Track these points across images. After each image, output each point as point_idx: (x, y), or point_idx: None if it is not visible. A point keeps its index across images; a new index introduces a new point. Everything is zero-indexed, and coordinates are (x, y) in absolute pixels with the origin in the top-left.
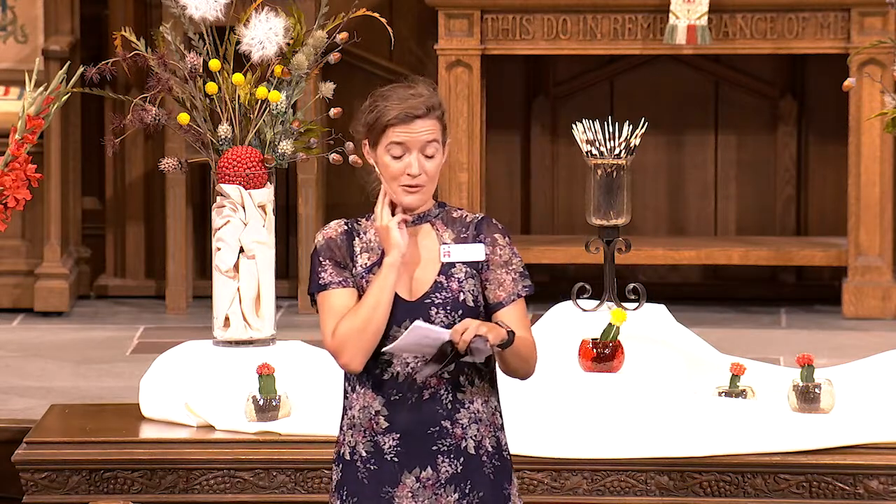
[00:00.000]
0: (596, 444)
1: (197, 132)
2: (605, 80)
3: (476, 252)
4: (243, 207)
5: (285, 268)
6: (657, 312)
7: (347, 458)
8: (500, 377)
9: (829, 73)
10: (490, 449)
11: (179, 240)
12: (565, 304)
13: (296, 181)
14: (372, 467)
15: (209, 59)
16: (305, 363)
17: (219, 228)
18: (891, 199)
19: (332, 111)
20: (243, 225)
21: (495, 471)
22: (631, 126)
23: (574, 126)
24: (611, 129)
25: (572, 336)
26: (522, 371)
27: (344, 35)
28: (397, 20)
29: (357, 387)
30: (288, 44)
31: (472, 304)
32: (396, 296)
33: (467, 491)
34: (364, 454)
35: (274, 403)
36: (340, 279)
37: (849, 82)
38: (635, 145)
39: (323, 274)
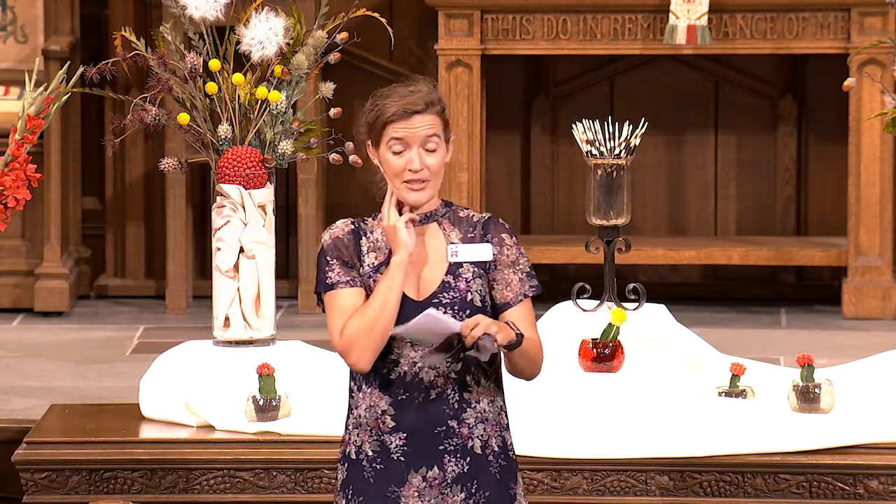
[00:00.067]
0: (596, 444)
1: (197, 132)
2: (605, 80)
3: (483, 252)
4: (243, 207)
5: (285, 268)
6: (657, 312)
7: (353, 457)
8: (505, 377)
9: (829, 73)
10: (496, 449)
11: (179, 240)
12: (565, 304)
13: (296, 181)
14: (378, 467)
15: (209, 59)
16: (305, 363)
17: (219, 228)
18: (891, 199)
19: (332, 111)
20: (243, 225)
21: (501, 470)
22: (631, 126)
23: (574, 126)
24: (611, 129)
25: (572, 336)
26: (528, 372)
27: (344, 35)
28: (397, 20)
29: (363, 386)
30: (288, 44)
31: (479, 304)
32: (404, 295)
33: (473, 491)
34: (370, 453)
35: (274, 403)
36: (348, 279)
37: (849, 82)
38: (635, 145)
39: (330, 273)
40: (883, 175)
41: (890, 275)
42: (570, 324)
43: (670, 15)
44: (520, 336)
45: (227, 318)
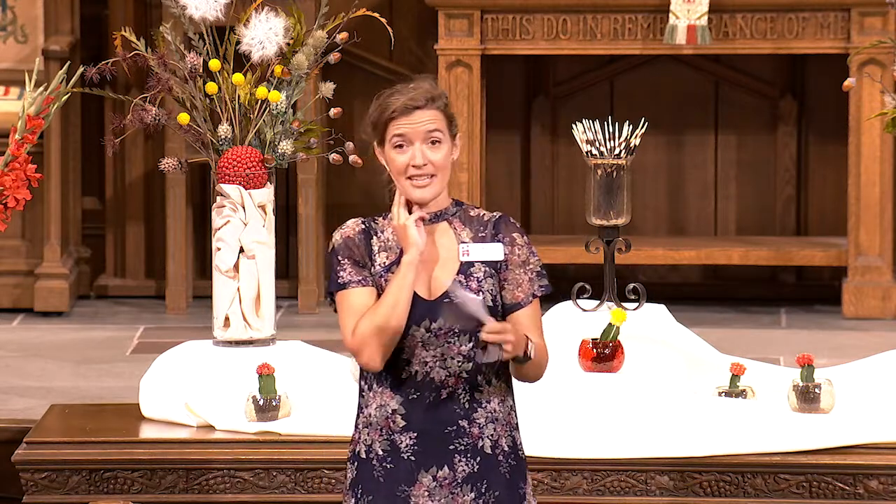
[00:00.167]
0: (596, 444)
1: (197, 132)
2: (605, 80)
3: (495, 251)
4: (243, 207)
5: (285, 268)
6: (657, 312)
7: (363, 456)
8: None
9: (829, 73)
10: (506, 448)
11: (179, 240)
12: (565, 304)
13: (296, 181)
14: (388, 466)
15: (209, 59)
16: (305, 363)
17: (219, 228)
18: (891, 199)
19: (332, 111)
20: (243, 225)
21: (511, 470)
22: (631, 126)
23: (574, 126)
24: (611, 129)
25: (572, 336)
26: (533, 376)
27: (344, 35)
28: (397, 20)
29: (374, 385)
30: (288, 44)
31: (490, 303)
32: (415, 294)
33: (483, 490)
34: (380, 452)
35: (274, 403)
36: (360, 278)
37: (849, 82)
38: (635, 145)
39: (342, 273)
40: (883, 175)
41: (890, 275)
42: (570, 324)
43: (670, 15)
44: (527, 357)
45: (227, 318)
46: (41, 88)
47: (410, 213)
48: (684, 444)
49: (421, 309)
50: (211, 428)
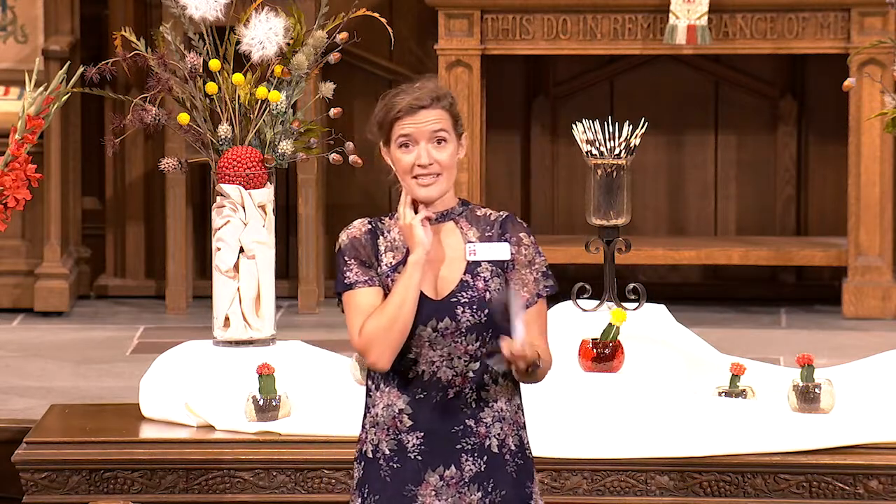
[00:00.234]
0: (596, 444)
1: (197, 132)
2: (605, 80)
3: (501, 251)
4: (243, 207)
5: (285, 268)
6: (657, 312)
7: (370, 455)
8: None
9: (829, 73)
10: (513, 448)
11: (179, 240)
12: (565, 304)
13: (296, 181)
14: (395, 465)
15: (209, 59)
16: (305, 363)
17: (219, 228)
18: (891, 199)
19: (332, 111)
20: (243, 225)
21: (518, 469)
22: (631, 126)
23: (574, 126)
24: (611, 129)
25: (572, 336)
26: (536, 379)
27: (344, 35)
28: (397, 20)
29: (381, 385)
30: (288, 44)
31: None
32: (422, 294)
33: (490, 489)
34: (387, 452)
35: (274, 403)
36: (366, 278)
37: (849, 82)
38: (635, 145)
39: (349, 273)
40: (883, 175)
41: (890, 275)
42: (570, 324)
43: (670, 15)
44: (533, 371)
45: (227, 318)
46: (41, 88)
47: (417, 212)
48: (684, 444)
49: (428, 308)
50: (211, 428)
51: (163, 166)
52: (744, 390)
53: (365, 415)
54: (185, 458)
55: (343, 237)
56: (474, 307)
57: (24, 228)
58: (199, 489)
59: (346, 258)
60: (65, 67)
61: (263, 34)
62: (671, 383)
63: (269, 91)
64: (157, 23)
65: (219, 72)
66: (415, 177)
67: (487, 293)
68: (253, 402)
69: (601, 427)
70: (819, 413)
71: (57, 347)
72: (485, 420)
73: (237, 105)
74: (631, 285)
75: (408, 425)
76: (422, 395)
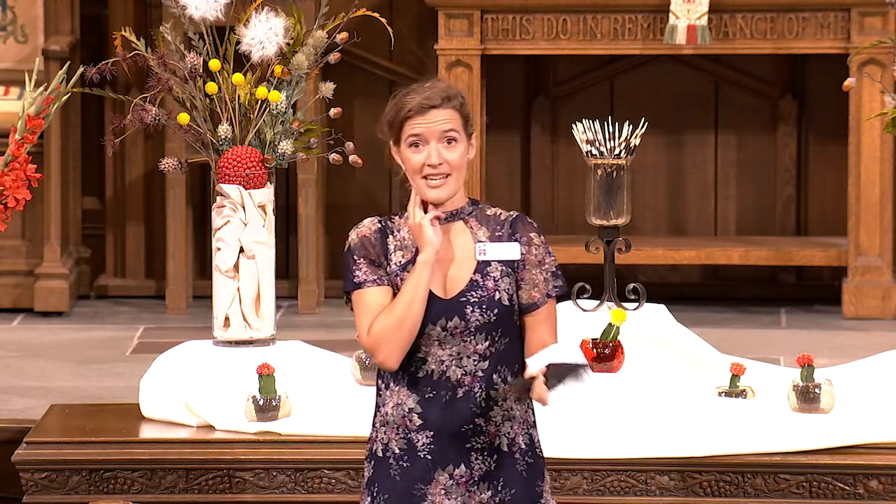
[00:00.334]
0: (596, 444)
1: (197, 132)
2: (605, 80)
3: (511, 251)
4: (243, 207)
5: (285, 268)
6: (657, 312)
7: (380, 454)
8: None
9: (829, 73)
10: (523, 446)
11: (179, 240)
12: (565, 304)
13: (296, 181)
14: (405, 464)
15: (209, 59)
16: (305, 363)
17: (219, 228)
18: (891, 199)
19: (332, 111)
20: (243, 225)
21: (528, 468)
22: (631, 126)
23: (574, 126)
24: (611, 129)
25: (572, 336)
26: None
27: (344, 35)
28: (397, 20)
29: (391, 384)
30: (288, 44)
31: (507, 302)
32: (431, 293)
33: (500, 488)
34: (397, 451)
35: (274, 403)
36: (375, 277)
37: (849, 82)
38: (635, 145)
39: (357, 272)
40: (883, 175)
41: (890, 275)
42: (570, 324)
43: (670, 15)
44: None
45: (227, 318)
46: (41, 88)
47: (426, 212)
48: (684, 444)
49: (437, 308)
50: (211, 428)
51: (163, 166)
52: (744, 390)
53: (375, 414)
54: (185, 458)
55: (352, 236)
56: (483, 307)
57: (24, 228)
58: (199, 489)
59: (356, 257)
60: (65, 67)
61: (263, 34)
62: (671, 383)
63: (269, 91)
64: (157, 23)
65: (219, 72)
66: (424, 177)
67: (497, 293)
68: (253, 402)
69: (601, 427)
70: (819, 413)
71: (57, 347)
72: (494, 419)
73: (237, 105)
74: (631, 285)
75: (417, 424)
76: (431, 395)
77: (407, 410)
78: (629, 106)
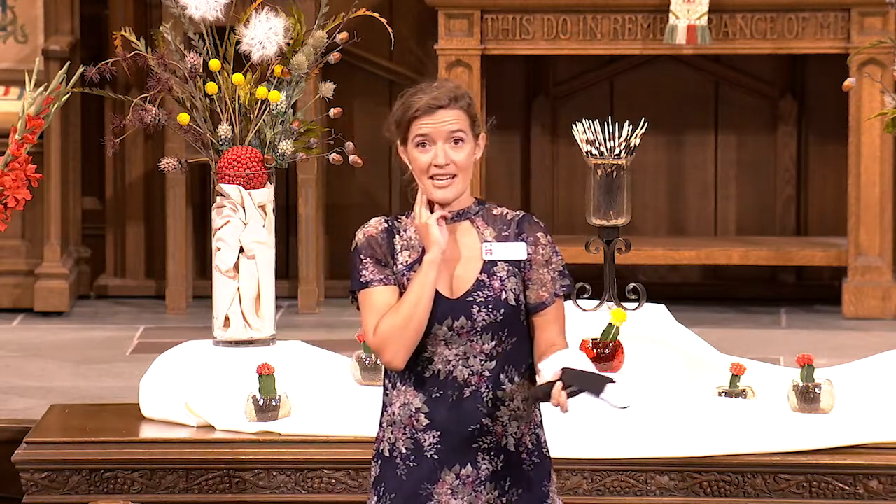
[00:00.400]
0: (596, 444)
1: (197, 132)
2: (605, 80)
3: (518, 251)
4: (243, 207)
5: (285, 268)
6: (657, 312)
7: (387, 454)
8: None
9: (829, 73)
10: (530, 446)
11: (179, 240)
12: (565, 304)
13: (296, 181)
14: (412, 464)
15: (209, 59)
16: (305, 363)
17: (219, 228)
18: (891, 199)
19: (332, 111)
20: (243, 225)
21: (535, 468)
22: (631, 126)
23: (574, 126)
24: (611, 129)
25: (572, 336)
26: None
27: (344, 35)
28: (397, 20)
29: (398, 384)
30: (288, 44)
31: (513, 302)
32: (438, 293)
33: (507, 488)
34: (404, 451)
35: (274, 403)
36: (382, 277)
37: (849, 82)
38: (635, 145)
39: (364, 272)
40: (883, 175)
41: (890, 275)
42: (571, 324)
43: (670, 15)
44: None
45: (227, 318)
46: (41, 88)
47: (433, 211)
48: (684, 444)
49: (443, 307)
50: (211, 428)
51: (163, 166)
52: (744, 390)
53: (382, 413)
54: (185, 458)
55: (359, 235)
56: (490, 306)
57: (24, 228)
58: (199, 489)
59: (362, 256)
60: (65, 67)
61: (263, 34)
62: (671, 383)
63: (269, 91)
64: (157, 23)
65: (219, 72)
66: (431, 177)
67: (503, 293)
68: (253, 402)
69: (601, 427)
70: (819, 413)
71: (57, 347)
72: (501, 419)
73: (237, 105)
74: (631, 285)
75: (424, 424)
76: (438, 394)
77: (414, 410)
78: (629, 106)
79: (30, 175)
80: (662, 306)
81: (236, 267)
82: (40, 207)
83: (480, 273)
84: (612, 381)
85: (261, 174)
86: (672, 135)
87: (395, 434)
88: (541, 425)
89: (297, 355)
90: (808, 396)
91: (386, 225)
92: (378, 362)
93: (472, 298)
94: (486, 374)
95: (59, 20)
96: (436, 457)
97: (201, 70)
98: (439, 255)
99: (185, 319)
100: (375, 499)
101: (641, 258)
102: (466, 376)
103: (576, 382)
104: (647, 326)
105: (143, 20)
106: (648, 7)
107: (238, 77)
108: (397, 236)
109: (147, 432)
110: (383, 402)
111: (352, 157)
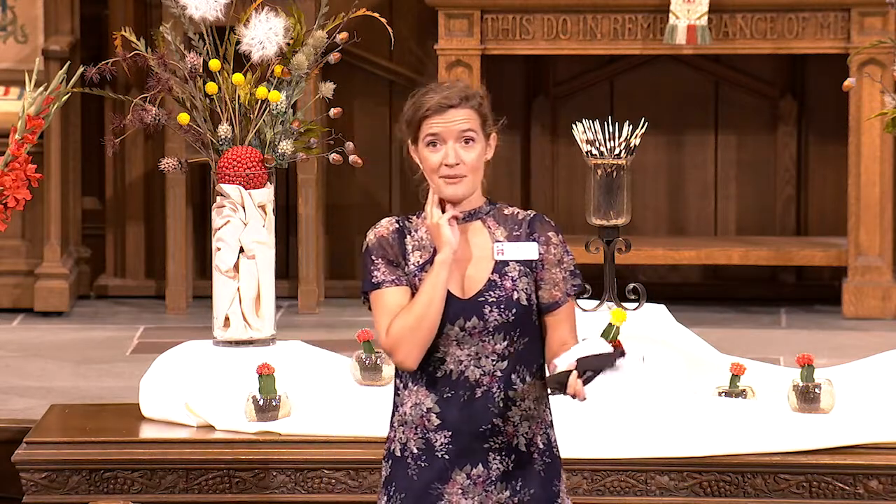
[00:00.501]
0: (596, 444)
1: (197, 132)
2: (605, 80)
3: (529, 251)
4: (243, 207)
5: (285, 268)
6: (657, 312)
7: (398, 454)
8: None
9: (829, 73)
10: (541, 446)
11: (179, 240)
12: None
13: (296, 181)
14: (423, 464)
15: (209, 59)
16: (305, 363)
17: (219, 228)
18: (891, 199)
19: (332, 111)
20: (243, 225)
21: (546, 468)
22: (631, 126)
23: (574, 126)
24: (611, 129)
25: None
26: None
27: (344, 35)
28: (397, 20)
29: (410, 384)
30: (288, 44)
31: (525, 302)
32: (449, 293)
33: (518, 488)
34: (415, 451)
35: (274, 403)
36: (393, 277)
37: (849, 82)
38: (635, 145)
39: (376, 273)
40: (883, 175)
41: (890, 275)
42: None
43: (670, 15)
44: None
45: (227, 318)
46: (41, 88)
47: (444, 211)
48: (684, 444)
49: (455, 307)
50: (211, 428)
51: (163, 166)
52: (744, 390)
53: (393, 413)
54: (185, 458)
55: (370, 236)
56: (502, 306)
57: (24, 228)
58: (199, 489)
59: (374, 257)
60: (65, 67)
61: (263, 34)
62: (671, 383)
63: (269, 91)
64: (157, 23)
65: (219, 72)
66: (442, 176)
67: (515, 293)
68: (253, 402)
69: (601, 427)
70: (819, 413)
71: (57, 347)
72: (512, 419)
73: (237, 105)
74: (631, 285)
75: (436, 424)
76: (449, 394)
77: (425, 410)
78: (629, 106)
79: (30, 175)
80: (662, 306)
81: (236, 267)
82: (40, 207)
83: (492, 273)
84: (623, 353)
85: (261, 174)
86: (672, 135)
87: (407, 434)
88: (551, 425)
89: (297, 355)
90: (808, 396)
91: (397, 225)
92: (378, 362)
93: (483, 298)
94: (498, 374)
95: (59, 20)
96: (447, 457)
97: (201, 70)
98: (451, 256)
99: (185, 319)
100: (385, 498)
101: (641, 258)
102: (478, 376)
103: (589, 367)
104: (647, 326)
105: (143, 20)
106: (648, 7)
107: (238, 77)
108: (408, 236)
109: (147, 432)
110: (394, 402)
111: (352, 157)
